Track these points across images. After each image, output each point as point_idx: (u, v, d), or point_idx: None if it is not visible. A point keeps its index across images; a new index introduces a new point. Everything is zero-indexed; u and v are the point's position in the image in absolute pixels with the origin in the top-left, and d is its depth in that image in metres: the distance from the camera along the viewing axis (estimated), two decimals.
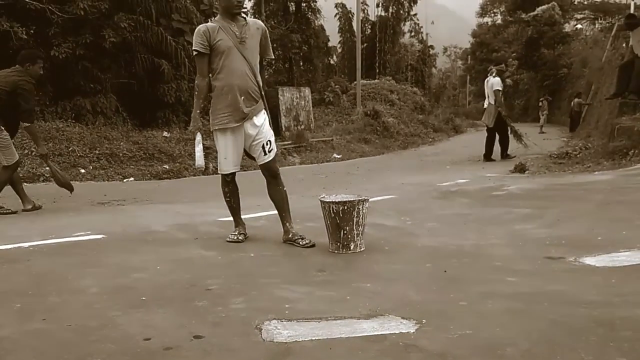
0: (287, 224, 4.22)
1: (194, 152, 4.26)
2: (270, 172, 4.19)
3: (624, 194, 6.23)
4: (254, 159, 4.25)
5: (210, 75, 4.07)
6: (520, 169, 9.55)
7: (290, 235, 4.17)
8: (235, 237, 4.26)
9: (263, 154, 4.11)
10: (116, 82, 13.88)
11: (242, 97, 4.00)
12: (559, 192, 6.83)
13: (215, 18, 4.10)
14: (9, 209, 6.00)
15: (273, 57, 4.48)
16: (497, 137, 12.25)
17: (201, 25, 4.05)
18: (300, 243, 4.09)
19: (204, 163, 4.22)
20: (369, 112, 21.05)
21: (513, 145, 12.42)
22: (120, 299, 2.91)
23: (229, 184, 4.28)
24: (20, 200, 6.19)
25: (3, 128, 5.96)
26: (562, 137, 18.44)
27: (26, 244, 4.22)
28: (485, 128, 12.45)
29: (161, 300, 2.88)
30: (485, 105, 12.31)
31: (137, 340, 2.35)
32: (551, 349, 2.17)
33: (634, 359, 2.05)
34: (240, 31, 4.00)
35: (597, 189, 6.72)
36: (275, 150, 4.23)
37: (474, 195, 6.75)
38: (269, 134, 4.15)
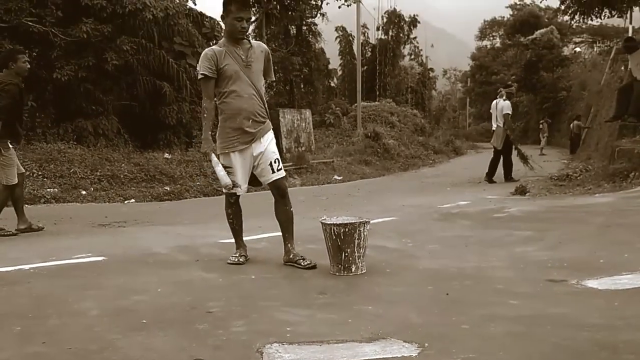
0: (289, 245, 4.21)
1: (216, 173, 4.16)
2: (280, 191, 4.18)
3: (625, 216, 6.22)
4: (259, 184, 4.29)
5: (216, 98, 4.10)
6: (521, 191, 9.54)
7: (291, 256, 4.16)
8: (237, 260, 4.23)
9: (271, 171, 4.13)
10: (118, 104, 13.98)
11: (250, 120, 4.05)
12: (560, 215, 6.83)
13: (220, 41, 4.14)
14: (9, 231, 5.99)
15: (274, 79, 4.53)
16: (502, 159, 12.23)
17: (208, 50, 4.06)
18: (302, 264, 4.08)
19: (230, 181, 4.08)
20: (369, 134, 21.12)
21: (515, 167, 12.44)
22: (120, 322, 2.90)
23: (233, 205, 4.28)
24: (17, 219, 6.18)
25: (11, 145, 5.97)
26: (562, 159, 18.47)
27: (27, 266, 4.21)
28: (493, 149, 12.44)
29: (162, 323, 2.87)
30: (494, 128, 12.29)
31: None
32: None
33: None
34: (246, 55, 4.04)
35: (598, 211, 6.71)
36: (283, 169, 4.25)
37: (475, 217, 6.74)
38: (276, 152, 4.18)
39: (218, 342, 2.59)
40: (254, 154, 4.11)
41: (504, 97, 11.98)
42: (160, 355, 2.42)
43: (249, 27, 4.14)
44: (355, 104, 24.25)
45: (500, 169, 12.26)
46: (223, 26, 4.11)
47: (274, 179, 4.15)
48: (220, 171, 4.06)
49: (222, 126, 4.12)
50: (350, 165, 17.70)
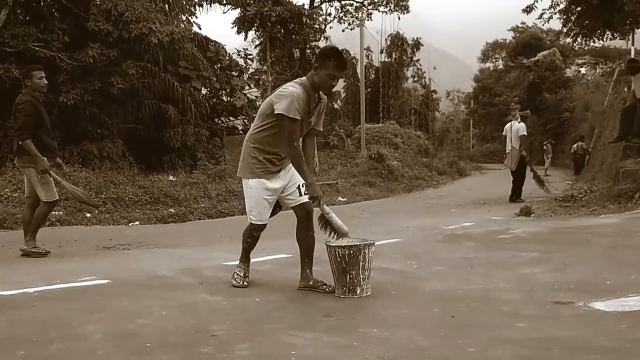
0: (308, 270, 4.16)
1: (331, 222, 3.99)
2: (307, 213, 4.10)
3: (631, 237, 6.19)
4: (275, 212, 4.23)
5: (265, 125, 3.99)
6: (526, 212, 9.51)
7: (311, 283, 4.12)
8: (241, 282, 4.19)
9: (299, 194, 4.09)
10: (123, 127, 14.07)
11: (279, 161, 4.09)
12: (565, 236, 6.79)
13: (303, 83, 3.93)
14: (44, 250, 6.06)
15: (321, 130, 4.51)
16: (513, 179, 12.17)
17: (299, 91, 3.86)
18: (326, 290, 4.04)
19: (346, 227, 3.96)
20: (373, 156, 21.15)
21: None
22: (124, 346, 2.88)
23: (257, 237, 4.25)
24: (24, 237, 6.17)
25: (48, 164, 5.95)
26: (566, 180, 18.43)
27: (31, 290, 4.20)
28: (510, 172, 12.37)
29: (166, 347, 2.85)
30: (508, 150, 12.25)
31: None
32: None
33: None
34: (315, 106, 4.02)
35: (603, 232, 6.67)
36: None
37: (480, 239, 6.71)
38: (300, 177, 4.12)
39: None
40: (281, 183, 4.09)
41: (519, 120, 11.91)
42: None
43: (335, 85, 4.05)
44: (359, 126, 24.35)
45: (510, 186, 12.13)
46: (315, 76, 3.88)
47: (302, 201, 4.08)
48: (334, 218, 3.98)
49: (257, 153, 4.01)
50: (354, 186, 17.69)
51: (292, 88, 3.87)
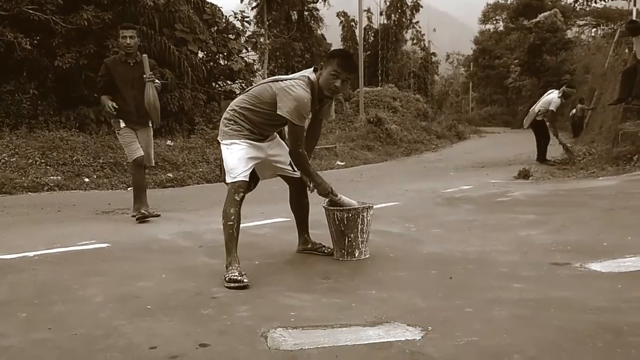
0: (306, 235, 4.18)
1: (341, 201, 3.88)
2: (301, 184, 3.96)
3: (628, 199, 6.21)
4: (250, 188, 3.83)
5: (260, 109, 3.67)
6: (524, 175, 9.52)
7: (310, 246, 4.14)
8: (241, 282, 3.28)
9: (292, 169, 3.91)
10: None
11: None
12: (563, 198, 6.82)
13: (306, 83, 3.58)
14: (155, 213, 6.07)
15: (333, 118, 4.48)
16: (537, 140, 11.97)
17: (308, 96, 3.54)
18: (326, 251, 4.07)
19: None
20: (371, 120, 21.06)
21: (519, 151, 12.30)
22: (125, 308, 2.91)
23: (239, 204, 3.57)
24: (133, 202, 6.07)
25: (122, 125, 5.88)
26: (565, 143, 18.39)
27: (31, 253, 4.23)
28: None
29: (166, 309, 2.88)
30: (532, 109, 11.90)
31: (143, 349, 2.35)
32: (558, 355, 2.16)
33: None
34: (315, 108, 3.76)
35: (601, 194, 6.70)
36: None
37: (478, 202, 6.74)
38: None
39: (223, 327, 2.61)
40: (268, 152, 3.83)
41: (560, 94, 11.55)
42: (166, 340, 2.43)
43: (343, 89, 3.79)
44: (358, 90, 24.16)
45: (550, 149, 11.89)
46: (320, 76, 3.60)
47: (296, 175, 3.93)
48: (348, 200, 3.91)
49: (243, 123, 3.69)
50: (353, 150, 17.67)
51: (302, 91, 3.51)
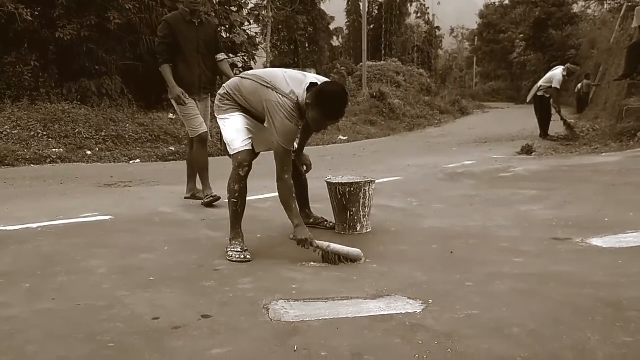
0: (307, 210, 4.18)
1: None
2: (296, 165, 3.91)
3: (631, 175, 6.20)
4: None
5: (252, 106, 3.51)
6: (527, 150, 9.49)
7: (311, 220, 4.15)
8: (242, 256, 3.33)
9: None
10: (121, 63, 13.84)
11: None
12: (565, 174, 6.81)
13: (294, 106, 3.32)
14: (214, 195, 5.12)
15: None
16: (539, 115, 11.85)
17: (293, 126, 3.33)
18: (327, 226, 4.09)
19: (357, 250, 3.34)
20: (375, 94, 20.95)
21: (522, 127, 12.22)
22: (128, 279, 2.94)
23: (243, 180, 3.48)
24: (188, 183, 5.52)
25: (187, 97, 5.05)
26: (569, 118, 18.31)
27: (34, 225, 4.25)
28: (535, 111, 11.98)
29: (169, 281, 2.91)
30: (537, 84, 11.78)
31: (146, 319, 2.37)
32: (557, 329, 2.18)
33: None
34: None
35: (604, 170, 6.68)
36: None
37: (481, 177, 6.73)
38: None
39: (225, 298, 2.63)
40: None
41: (565, 72, 11.40)
42: (168, 311, 2.45)
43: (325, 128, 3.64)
44: (361, 64, 24.01)
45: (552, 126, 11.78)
46: (308, 109, 3.27)
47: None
48: (342, 248, 3.30)
49: (236, 104, 3.58)
50: (356, 125, 17.61)
51: (289, 111, 3.28)
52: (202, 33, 5.15)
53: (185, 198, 5.44)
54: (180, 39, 5.04)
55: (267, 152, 3.58)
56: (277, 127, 3.29)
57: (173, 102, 5.22)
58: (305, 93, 3.29)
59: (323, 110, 3.24)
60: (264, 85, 3.38)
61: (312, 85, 3.32)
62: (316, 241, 3.30)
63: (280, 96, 3.30)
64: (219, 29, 5.12)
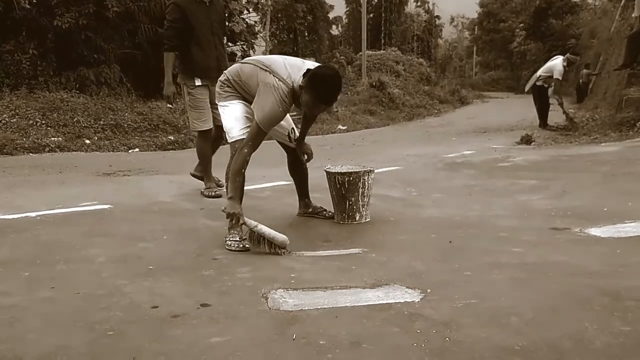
0: (306, 199, 4.19)
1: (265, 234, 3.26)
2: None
3: (630, 165, 6.20)
4: None
5: (248, 90, 3.54)
6: (527, 140, 9.49)
7: (310, 209, 4.16)
8: (242, 246, 3.31)
9: (289, 139, 3.88)
10: (120, 52, 13.77)
11: None
12: (565, 164, 6.81)
13: (288, 92, 3.34)
14: (216, 192, 4.99)
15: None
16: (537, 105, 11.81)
17: (286, 105, 3.34)
18: (326, 216, 4.09)
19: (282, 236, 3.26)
20: (374, 84, 20.90)
21: (521, 117, 12.19)
22: (127, 268, 2.94)
23: (243, 174, 3.42)
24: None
25: (198, 83, 4.91)
26: (569, 108, 18.28)
27: (33, 214, 4.24)
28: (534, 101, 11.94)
29: (168, 270, 2.91)
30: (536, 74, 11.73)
31: (145, 308, 2.38)
32: (555, 317, 2.18)
33: (638, 328, 2.06)
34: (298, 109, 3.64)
35: (603, 160, 6.68)
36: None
37: (480, 167, 6.73)
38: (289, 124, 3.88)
39: (224, 287, 2.63)
40: None
41: (565, 63, 11.34)
42: (167, 300, 2.46)
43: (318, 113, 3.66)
44: (360, 53, 23.92)
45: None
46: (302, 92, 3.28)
47: (292, 144, 3.92)
48: (269, 231, 3.24)
49: (235, 84, 3.59)
50: (355, 114, 17.58)
51: (276, 103, 3.29)
52: (214, 13, 4.97)
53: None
54: (192, 21, 4.81)
55: (267, 141, 3.57)
56: (262, 106, 3.29)
57: (185, 89, 5.03)
58: (302, 78, 3.31)
59: (316, 94, 3.24)
60: (262, 69, 3.40)
61: (310, 71, 3.32)
62: (245, 218, 3.27)
63: (277, 79, 3.31)
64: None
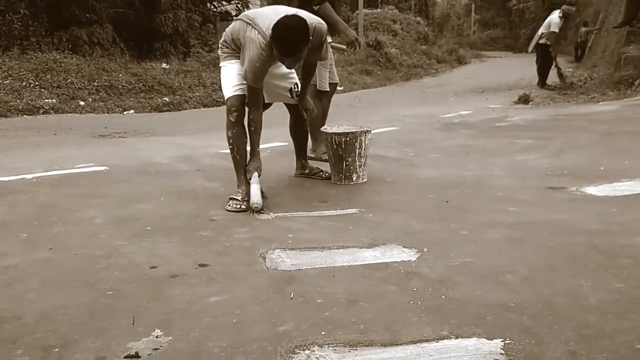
0: (303, 160, 4.18)
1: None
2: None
3: (628, 124, 6.19)
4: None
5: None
6: (524, 99, 9.44)
7: (307, 170, 4.15)
8: (239, 206, 3.33)
9: (290, 95, 3.77)
10: (112, 11, 13.53)
11: None
12: (562, 123, 6.79)
13: (267, 48, 3.21)
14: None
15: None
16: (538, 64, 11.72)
17: (259, 59, 3.22)
18: (323, 177, 4.08)
19: (260, 201, 3.27)
20: (371, 43, 20.59)
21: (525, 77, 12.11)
22: (125, 229, 2.95)
23: (234, 124, 3.45)
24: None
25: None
26: (567, 67, 18.12)
27: (29, 176, 4.23)
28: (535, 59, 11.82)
29: (166, 230, 2.92)
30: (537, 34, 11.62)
31: (144, 268, 2.39)
32: (550, 275, 2.21)
33: (631, 285, 2.09)
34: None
35: (601, 119, 6.67)
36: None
37: (477, 127, 6.71)
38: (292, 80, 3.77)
39: (221, 248, 2.65)
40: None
41: (560, 14, 11.18)
42: (166, 260, 2.47)
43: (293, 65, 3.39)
44: (357, 12, 23.51)
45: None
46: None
47: (295, 102, 3.82)
48: (255, 189, 3.35)
49: (232, 44, 3.50)
50: (352, 75, 17.39)
51: (260, 49, 3.19)
52: None
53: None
54: None
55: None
56: (245, 61, 3.28)
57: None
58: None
59: (276, 46, 3.14)
60: (247, 22, 3.35)
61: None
62: (255, 173, 3.47)
63: (256, 32, 3.24)
64: None
